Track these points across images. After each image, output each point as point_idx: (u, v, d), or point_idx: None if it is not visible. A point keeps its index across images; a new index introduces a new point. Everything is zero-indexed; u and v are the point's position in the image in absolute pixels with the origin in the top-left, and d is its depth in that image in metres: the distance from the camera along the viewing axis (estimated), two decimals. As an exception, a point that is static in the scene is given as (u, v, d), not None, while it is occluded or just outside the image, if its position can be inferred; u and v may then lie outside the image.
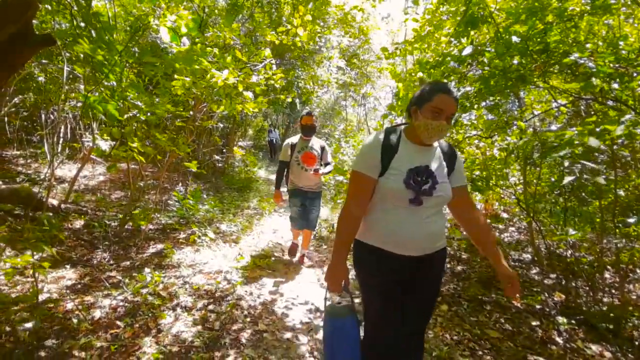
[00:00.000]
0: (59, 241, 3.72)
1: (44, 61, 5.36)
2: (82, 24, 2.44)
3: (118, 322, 2.74)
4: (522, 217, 4.98)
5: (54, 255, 2.64)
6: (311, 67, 10.13)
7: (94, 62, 2.52)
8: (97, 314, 2.81)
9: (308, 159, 4.02)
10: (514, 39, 2.68)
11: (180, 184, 7.39)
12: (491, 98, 3.52)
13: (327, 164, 4.16)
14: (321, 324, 3.07)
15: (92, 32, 2.49)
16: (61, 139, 5.97)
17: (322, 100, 15.90)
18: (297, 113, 16.42)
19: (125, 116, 3.45)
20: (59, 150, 5.77)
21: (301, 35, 5.03)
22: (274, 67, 5.23)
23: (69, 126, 6.22)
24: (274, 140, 15.55)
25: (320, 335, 2.90)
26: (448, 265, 4.49)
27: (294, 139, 4.20)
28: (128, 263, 3.78)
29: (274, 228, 5.91)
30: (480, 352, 2.76)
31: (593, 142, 2.01)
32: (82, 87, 5.40)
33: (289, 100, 6.07)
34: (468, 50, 2.91)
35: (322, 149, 4.15)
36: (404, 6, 4.21)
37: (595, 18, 4.07)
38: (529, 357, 2.71)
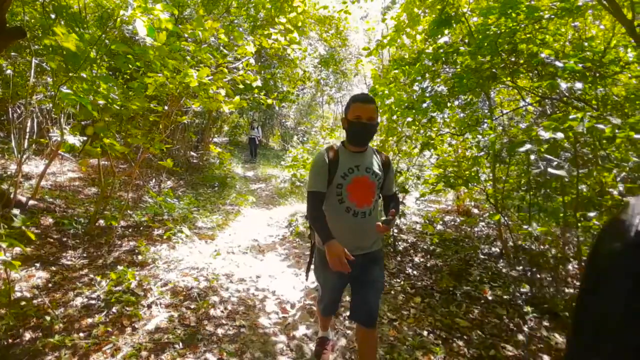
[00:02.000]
0: (27, 239, 3.59)
1: (13, 54, 5.14)
2: (53, 16, 2.37)
3: (91, 320, 2.69)
4: (491, 212, 5.18)
5: (24, 253, 2.56)
6: (288, 66, 10.12)
7: (66, 54, 2.45)
8: (70, 312, 2.75)
9: (362, 191, 2.04)
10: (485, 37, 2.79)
11: (154, 181, 7.25)
12: (463, 97, 3.64)
13: (391, 198, 2.20)
14: (297, 319, 3.11)
15: (62, 23, 2.43)
16: (28, 134, 5.74)
17: (298, 98, 15.90)
18: (273, 110, 16.30)
19: (98, 109, 3.35)
20: (26, 145, 5.54)
21: (281, 42, 5.03)
22: (252, 62, 5.20)
23: (36, 121, 5.98)
24: (256, 139, 14.36)
25: (297, 331, 2.94)
26: (422, 259, 4.62)
27: (329, 150, 2.09)
28: (100, 261, 3.70)
29: (249, 224, 5.90)
30: (451, 341, 2.87)
31: (558, 135, 2.13)
32: (50, 80, 5.21)
33: (269, 102, 6.05)
34: (445, 39, 3.01)
35: (386, 166, 2.15)
36: (382, 5, 4.24)
37: (562, 20, 4.27)
38: (497, 345, 2.84)
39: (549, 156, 2.82)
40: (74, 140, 4.03)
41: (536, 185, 4.19)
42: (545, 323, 3.24)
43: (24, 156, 4.83)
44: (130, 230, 4.70)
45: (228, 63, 5.27)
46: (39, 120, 6.10)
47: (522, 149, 2.34)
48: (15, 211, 3.82)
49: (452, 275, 4.11)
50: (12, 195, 3.58)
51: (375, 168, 2.07)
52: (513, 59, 2.86)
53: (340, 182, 2.00)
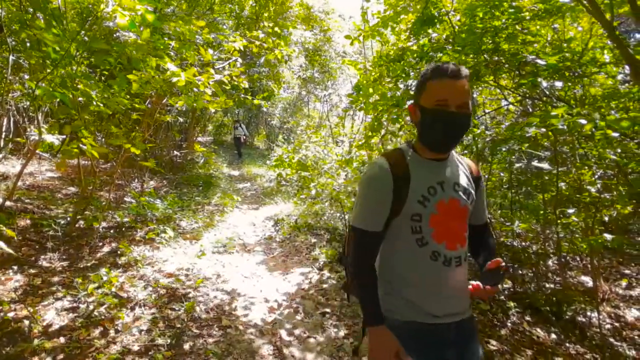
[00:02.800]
0: (6, 239, 3.48)
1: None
2: (31, 10, 2.29)
3: (72, 324, 2.62)
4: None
5: (2, 254, 2.47)
6: (274, 65, 10.07)
7: (44, 50, 2.38)
8: (49, 316, 2.67)
9: (453, 223, 1.28)
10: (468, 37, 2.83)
11: (136, 180, 7.11)
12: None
13: (483, 230, 1.47)
14: (283, 318, 3.10)
15: (41, 18, 2.36)
16: (4, 133, 5.55)
17: (283, 99, 15.85)
18: (259, 109, 16.18)
19: (77, 107, 3.26)
20: (2, 145, 5.36)
21: (269, 42, 5.00)
22: (238, 64, 5.15)
23: (12, 119, 5.80)
24: (242, 138, 13.73)
25: (282, 330, 2.93)
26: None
27: (391, 158, 1.28)
28: (81, 263, 3.60)
29: (234, 224, 5.85)
30: (437, 338, 2.90)
31: (542, 130, 2.18)
32: (27, 77, 5.05)
33: (256, 102, 6.00)
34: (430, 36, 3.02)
35: (477, 180, 1.39)
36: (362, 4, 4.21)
37: (542, 22, 4.36)
38: (480, 339, 2.88)
39: (531, 151, 2.88)
40: (52, 139, 3.91)
41: (518, 183, 4.28)
42: (527, 318, 3.32)
43: (0, 155, 4.68)
44: (112, 231, 4.60)
45: (214, 63, 5.21)
46: (15, 118, 5.91)
47: (505, 145, 2.38)
48: (-9, 212, 3.70)
49: (437, 272, 4.15)
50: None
51: (465, 183, 1.31)
52: (496, 58, 2.91)
53: (417, 212, 1.21)
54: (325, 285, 3.74)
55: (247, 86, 4.95)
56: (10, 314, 2.59)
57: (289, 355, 2.58)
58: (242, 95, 6.76)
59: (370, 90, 3.77)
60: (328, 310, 3.23)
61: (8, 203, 4.24)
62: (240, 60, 5.09)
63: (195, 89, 3.88)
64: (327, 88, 12.97)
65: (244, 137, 14.01)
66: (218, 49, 6.16)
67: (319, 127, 11.38)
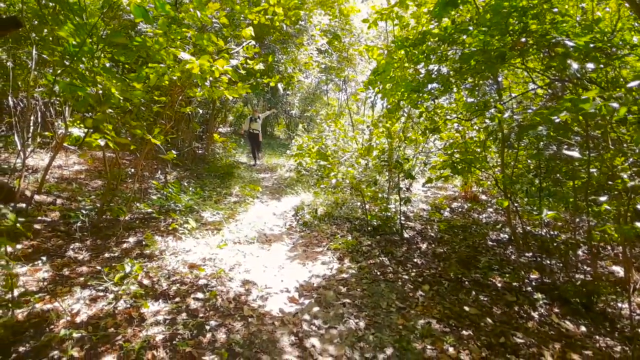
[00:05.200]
0: (33, 233, 3.61)
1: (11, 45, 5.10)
2: (51, 4, 2.31)
3: (98, 313, 2.70)
4: (500, 198, 5.11)
5: (32, 245, 2.54)
6: (291, 51, 9.97)
7: (64, 44, 2.40)
8: (77, 305, 2.75)
9: None
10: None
11: (159, 172, 7.24)
12: (470, 80, 3.54)
13: None
14: (305, 308, 3.10)
15: (60, 13, 2.37)
16: (32, 127, 5.73)
17: (303, 85, 15.70)
18: (279, 98, 16.16)
19: (98, 100, 3.31)
20: (30, 138, 5.54)
21: (279, 14, 4.92)
22: (253, 43, 5.10)
23: (39, 113, 5.97)
24: (259, 136, 10.79)
25: (303, 321, 2.93)
26: (430, 247, 4.58)
27: None
28: (107, 253, 3.70)
29: (255, 214, 5.89)
30: (459, 328, 2.84)
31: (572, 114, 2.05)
32: (50, 71, 5.17)
33: (272, 84, 5.92)
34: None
35: None
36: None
37: (571, 2, 4.13)
38: (506, 332, 2.81)
39: (560, 138, 2.74)
40: (78, 132, 4.01)
41: (546, 170, 4.11)
42: (556, 309, 3.21)
43: (28, 149, 4.83)
44: (137, 222, 4.71)
45: (229, 49, 5.18)
46: (42, 112, 6.08)
47: (533, 130, 2.26)
48: (21, 205, 3.84)
49: (461, 262, 4.07)
50: (16, 190, 3.57)
51: None
52: (523, 40, 2.76)
53: None
54: (345, 275, 3.72)
55: (262, 67, 4.89)
56: (38, 304, 2.69)
57: (310, 346, 2.58)
58: (258, 79, 6.70)
59: (391, 74, 3.66)
60: (349, 300, 3.22)
61: (37, 196, 4.39)
62: (253, 42, 5.03)
63: (210, 78, 3.86)
64: (347, 76, 12.78)
65: (256, 133, 10.76)
66: (234, 29, 6.09)
67: (339, 116, 11.28)
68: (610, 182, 3.12)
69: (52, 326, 2.48)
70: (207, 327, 2.68)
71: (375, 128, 6.38)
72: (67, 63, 2.62)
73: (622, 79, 3.30)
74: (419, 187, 7.94)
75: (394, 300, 3.25)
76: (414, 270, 3.88)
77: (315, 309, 3.08)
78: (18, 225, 2.19)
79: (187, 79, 4.23)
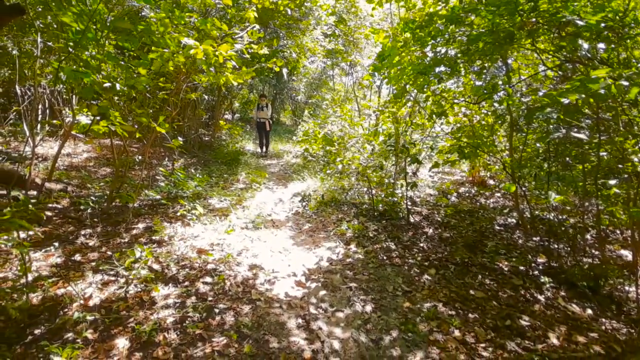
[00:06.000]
0: (45, 219, 3.67)
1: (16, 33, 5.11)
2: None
3: (111, 297, 2.76)
4: (507, 183, 5.08)
5: (44, 232, 2.59)
6: (297, 36, 9.85)
7: (68, 31, 2.40)
8: (89, 290, 2.82)
9: None
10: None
11: (166, 159, 7.29)
12: (478, 62, 3.48)
13: None
14: (312, 291, 3.13)
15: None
16: (40, 116, 5.78)
17: (308, 70, 15.54)
18: (284, 84, 16.04)
19: (102, 87, 3.32)
20: (38, 127, 5.59)
21: None
22: (257, 28, 5.04)
23: (46, 102, 6.01)
24: (267, 124, 10.06)
25: (310, 304, 2.97)
26: (436, 232, 4.59)
27: None
28: (118, 239, 3.77)
29: (262, 200, 5.92)
30: (465, 311, 2.86)
31: (581, 96, 2.01)
32: (56, 59, 5.17)
33: (276, 69, 5.88)
34: None
35: None
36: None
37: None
38: (512, 315, 2.82)
39: (569, 120, 2.70)
40: (85, 119, 4.03)
41: (555, 153, 4.06)
42: (563, 293, 3.21)
43: (37, 138, 4.88)
44: (145, 208, 4.77)
45: (233, 34, 5.13)
46: (49, 101, 6.12)
47: (542, 115, 2.22)
48: (32, 192, 3.90)
49: (467, 247, 4.07)
50: (26, 177, 3.63)
51: None
52: (533, 20, 2.69)
53: None
54: (352, 260, 3.74)
55: (266, 52, 4.84)
56: (52, 289, 2.75)
57: (317, 329, 2.62)
58: (262, 64, 6.65)
59: (397, 58, 3.61)
60: (355, 284, 3.25)
61: (48, 184, 4.45)
62: (257, 26, 4.97)
63: (215, 64, 3.84)
64: (353, 61, 12.61)
65: (270, 122, 10.25)
66: (237, 10, 6.00)
67: (345, 101, 11.19)
68: (620, 166, 3.08)
69: (66, 309, 2.55)
70: (216, 310, 2.73)
71: (381, 113, 6.32)
72: (72, 50, 2.62)
73: (634, 60, 3.22)
74: (425, 172, 7.90)
75: (400, 284, 3.28)
76: (420, 254, 3.90)
77: (322, 292, 3.12)
78: (31, 207, 2.23)
79: (191, 65, 4.22)
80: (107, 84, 2.94)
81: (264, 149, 10.57)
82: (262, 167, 8.85)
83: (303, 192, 6.26)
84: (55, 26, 3.10)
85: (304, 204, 5.73)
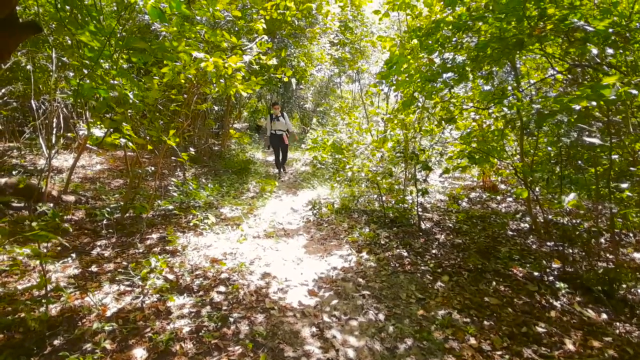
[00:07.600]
0: (62, 231, 3.75)
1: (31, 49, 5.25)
2: (67, 7, 2.38)
3: (128, 307, 2.80)
4: (519, 188, 5.04)
5: (60, 244, 2.66)
6: (304, 45, 9.96)
7: (84, 49, 2.48)
8: (107, 300, 2.87)
9: None
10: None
11: (178, 170, 7.39)
12: (486, 67, 3.49)
13: None
14: (325, 300, 3.14)
15: (77, 15, 2.44)
16: (55, 129, 5.92)
17: (316, 78, 15.65)
18: (292, 92, 16.15)
19: (116, 101, 3.40)
20: (54, 140, 5.72)
21: (291, 8, 4.93)
22: (266, 38, 5.13)
23: (61, 115, 6.15)
24: (284, 136, 8.17)
25: (323, 313, 2.98)
26: (448, 238, 4.57)
27: None
28: (132, 249, 3.82)
29: (273, 209, 5.96)
30: (480, 318, 2.84)
31: (592, 102, 2.02)
32: (71, 74, 5.31)
33: (285, 79, 5.94)
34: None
35: None
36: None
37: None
38: (528, 322, 2.80)
39: (581, 125, 2.69)
40: (99, 132, 4.13)
41: (567, 157, 4.04)
42: (578, 298, 3.17)
43: (53, 151, 4.99)
44: (159, 218, 4.84)
45: (242, 45, 5.22)
46: (64, 115, 6.27)
47: (553, 119, 2.23)
48: (49, 205, 3.98)
49: (480, 253, 4.04)
50: (42, 190, 3.71)
51: None
52: (542, 25, 2.70)
53: None
54: (363, 267, 3.75)
55: (275, 62, 4.91)
56: (70, 300, 2.81)
57: (331, 337, 2.63)
58: (272, 75, 6.73)
59: (404, 65, 3.63)
60: (368, 292, 3.25)
61: (64, 196, 4.55)
62: (266, 37, 5.05)
63: (225, 75, 3.91)
64: (359, 68, 12.68)
65: (287, 134, 8.27)
66: (246, 22, 6.10)
67: (353, 108, 11.23)
68: (632, 169, 3.05)
69: (84, 320, 2.59)
70: (231, 320, 2.75)
71: (389, 121, 6.34)
72: (90, 68, 2.70)
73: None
74: (435, 178, 7.88)
75: (414, 292, 3.27)
76: (433, 261, 3.88)
77: (335, 301, 3.13)
78: (57, 220, 2.30)
79: (202, 77, 4.30)
80: (121, 97, 3.02)
81: (281, 169, 8.73)
82: (272, 175, 8.90)
83: (313, 200, 6.28)
84: (70, 42, 3.19)
85: (314, 211, 5.75)
